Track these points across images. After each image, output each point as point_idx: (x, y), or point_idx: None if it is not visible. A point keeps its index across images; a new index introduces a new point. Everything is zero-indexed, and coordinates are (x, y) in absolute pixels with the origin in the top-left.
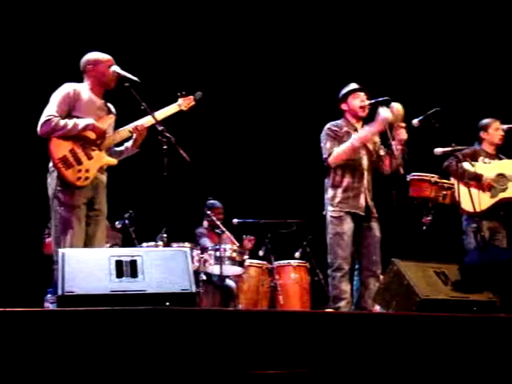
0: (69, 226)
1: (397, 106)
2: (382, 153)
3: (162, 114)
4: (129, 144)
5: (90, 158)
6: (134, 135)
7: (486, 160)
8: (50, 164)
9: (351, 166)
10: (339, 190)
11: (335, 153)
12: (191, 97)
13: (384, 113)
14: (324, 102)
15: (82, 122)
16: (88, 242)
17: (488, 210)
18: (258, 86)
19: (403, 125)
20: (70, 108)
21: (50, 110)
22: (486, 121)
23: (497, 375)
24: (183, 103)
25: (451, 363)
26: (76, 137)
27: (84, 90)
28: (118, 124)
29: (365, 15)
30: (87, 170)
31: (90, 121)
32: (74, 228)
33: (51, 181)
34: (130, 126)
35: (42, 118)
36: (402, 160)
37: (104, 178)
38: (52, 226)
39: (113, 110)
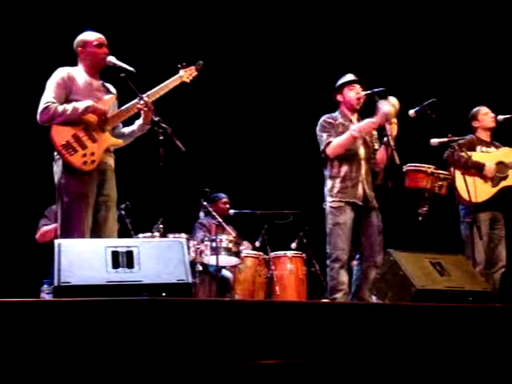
0: (76, 215)
1: (393, 101)
2: (376, 146)
3: (164, 87)
4: (139, 121)
5: (94, 140)
6: (142, 111)
7: (484, 149)
8: (55, 152)
9: (348, 157)
10: (337, 180)
11: (334, 143)
12: (193, 67)
13: (386, 107)
14: (320, 92)
15: (81, 105)
16: (99, 230)
17: (489, 199)
18: (254, 76)
19: (395, 121)
20: (67, 92)
21: (47, 96)
22: (473, 110)
23: (492, 365)
24: (185, 74)
25: (447, 353)
26: (77, 121)
27: (79, 72)
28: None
29: (360, 6)
30: (93, 153)
31: (89, 103)
32: (81, 217)
33: (57, 169)
34: (132, 103)
35: (40, 106)
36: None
37: (112, 161)
38: (58, 215)
39: (112, 89)
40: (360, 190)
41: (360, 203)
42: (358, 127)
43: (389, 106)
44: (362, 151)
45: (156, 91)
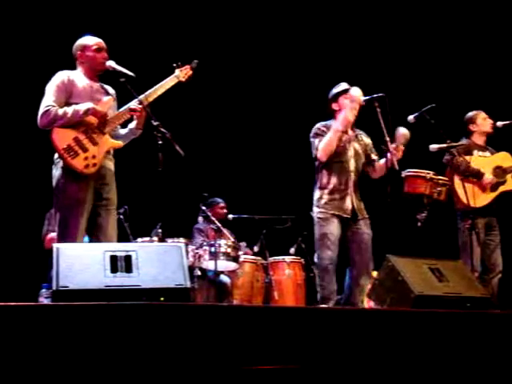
0: (72, 220)
1: (403, 131)
2: (373, 157)
3: (160, 87)
4: (132, 125)
5: (94, 143)
6: (135, 116)
7: (480, 153)
8: (56, 155)
9: (338, 168)
10: (326, 192)
11: (321, 146)
12: (188, 66)
13: (355, 92)
14: (318, 97)
15: (81, 108)
16: (99, 234)
17: (488, 204)
18: (253, 81)
19: (403, 148)
20: (67, 96)
21: (47, 100)
22: (471, 113)
23: (490, 371)
24: (180, 74)
25: (445, 359)
26: (78, 124)
27: (78, 75)
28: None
29: (358, 12)
30: (94, 156)
31: (89, 105)
32: (77, 223)
33: (56, 172)
34: (129, 106)
35: (41, 110)
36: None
37: (111, 165)
38: (56, 219)
39: (111, 91)
40: (348, 203)
41: (346, 216)
42: (339, 122)
43: (358, 90)
44: (352, 164)
45: (153, 91)
